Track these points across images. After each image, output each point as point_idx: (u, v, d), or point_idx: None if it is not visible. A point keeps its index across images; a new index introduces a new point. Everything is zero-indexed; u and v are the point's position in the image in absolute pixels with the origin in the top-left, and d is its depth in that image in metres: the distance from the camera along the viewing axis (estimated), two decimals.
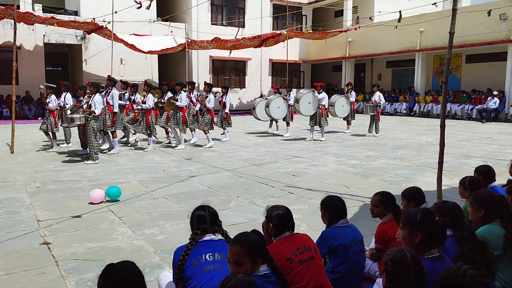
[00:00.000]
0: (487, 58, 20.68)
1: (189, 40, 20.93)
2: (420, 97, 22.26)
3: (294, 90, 15.01)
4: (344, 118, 14.59)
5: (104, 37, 20.18)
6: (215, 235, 2.77)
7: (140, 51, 20.22)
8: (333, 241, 2.97)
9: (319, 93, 12.75)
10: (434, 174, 5.83)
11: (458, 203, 3.06)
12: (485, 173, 4.11)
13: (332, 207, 3.11)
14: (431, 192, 5.62)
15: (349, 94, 14.37)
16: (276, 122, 14.63)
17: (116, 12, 17.30)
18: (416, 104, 22.26)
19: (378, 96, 13.74)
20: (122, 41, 19.50)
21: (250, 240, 2.32)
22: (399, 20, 18.77)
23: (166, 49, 21.00)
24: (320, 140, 12.50)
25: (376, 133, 13.59)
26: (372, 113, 13.52)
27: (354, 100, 14.53)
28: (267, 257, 2.35)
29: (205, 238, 2.71)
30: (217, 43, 21.67)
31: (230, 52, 23.66)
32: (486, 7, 18.60)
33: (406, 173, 7.89)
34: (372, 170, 8.22)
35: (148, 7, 15.53)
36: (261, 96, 14.48)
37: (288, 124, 13.95)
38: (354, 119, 14.83)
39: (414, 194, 3.53)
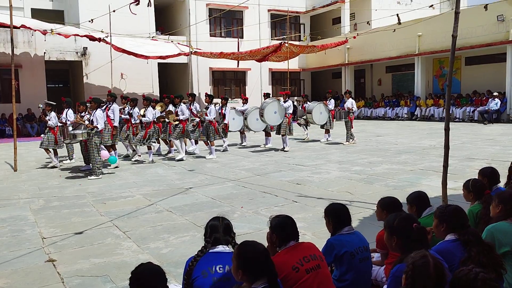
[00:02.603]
0: (486, 59, 20.70)
1: (193, 51, 21.04)
2: (421, 101, 22.26)
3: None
4: (321, 126, 14.18)
5: (105, 43, 20.02)
6: (228, 246, 2.74)
7: (141, 56, 20.20)
8: (339, 249, 2.95)
9: (285, 101, 12.44)
10: (438, 178, 5.81)
11: (464, 206, 3.04)
12: (490, 175, 4.09)
13: (336, 215, 3.10)
14: (436, 196, 5.59)
15: (327, 101, 14.06)
16: (243, 133, 14.24)
17: (114, 11, 17.24)
18: (418, 108, 22.26)
19: (350, 103, 13.53)
20: (122, 50, 19.46)
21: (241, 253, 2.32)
22: (398, 23, 18.89)
23: (166, 56, 21.00)
24: (284, 151, 12.24)
25: (352, 141, 13.27)
26: (345, 120, 13.36)
27: (333, 108, 14.06)
28: (266, 271, 2.29)
29: (216, 249, 2.69)
30: (220, 55, 21.88)
31: (238, 64, 23.70)
32: (483, 8, 18.65)
33: (410, 177, 7.85)
34: (375, 175, 8.19)
35: (148, 4, 15.49)
36: (234, 108, 14.03)
37: (268, 134, 13.52)
38: (332, 128, 14.20)
39: (414, 199, 3.51)
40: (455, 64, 21.53)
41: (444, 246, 2.78)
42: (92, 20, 18.26)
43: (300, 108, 15.82)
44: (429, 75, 23.23)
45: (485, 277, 1.91)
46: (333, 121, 14.09)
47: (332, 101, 14.28)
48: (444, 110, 20.34)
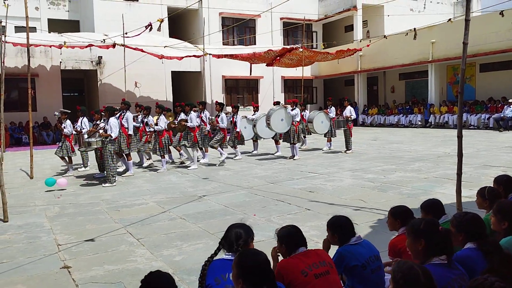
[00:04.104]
0: (501, 66, 20.46)
1: (206, 56, 21.18)
2: (435, 108, 22.07)
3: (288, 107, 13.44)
4: (324, 135, 13.96)
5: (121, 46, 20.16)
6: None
7: (155, 55, 20.30)
8: (348, 261, 2.91)
9: (292, 109, 12.30)
10: (453, 186, 5.75)
11: (479, 214, 3.00)
12: (505, 183, 4.03)
13: (341, 228, 3.05)
14: (451, 204, 5.53)
15: (328, 109, 13.87)
16: (256, 141, 14.21)
17: (126, 33, 17.60)
18: (432, 115, 22.06)
19: (349, 111, 13.25)
20: (137, 49, 19.60)
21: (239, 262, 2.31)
22: (414, 37, 18.88)
23: (181, 57, 21.08)
24: (294, 159, 12.16)
25: (349, 150, 13.04)
26: (343, 128, 13.14)
27: (334, 116, 13.79)
28: (266, 280, 2.26)
29: (229, 256, 2.70)
30: (236, 57, 21.92)
31: (251, 72, 23.75)
32: (497, 15, 18.49)
33: (424, 185, 7.78)
34: (389, 183, 8.13)
35: (158, 29, 15.72)
36: (245, 117, 13.96)
37: (277, 142, 13.46)
38: (335, 136, 14.02)
39: (430, 207, 3.47)
40: (469, 71, 21.33)
41: (466, 253, 2.73)
42: (104, 40, 18.58)
43: None
44: (443, 82, 23.03)
45: (501, 286, 1.88)
46: (334, 129, 13.87)
47: (333, 109, 14.06)
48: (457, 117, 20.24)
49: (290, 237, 2.80)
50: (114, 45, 19.32)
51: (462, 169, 4.93)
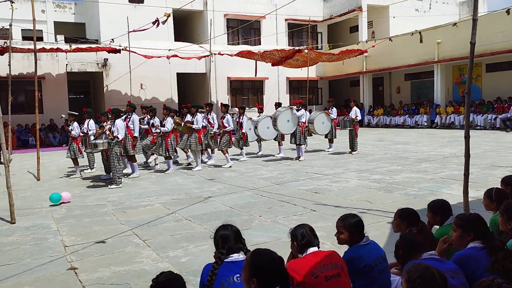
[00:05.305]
0: (508, 66, 20.33)
1: (212, 57, 21.15)
2: (441, 108, 21.96)
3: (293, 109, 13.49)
4: (325, 136, 13.92)
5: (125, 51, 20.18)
6: (240, 253, 2.72)
7: (162, 56, 20.32)
8: (358, 263, 2.89)
9: (297, 110, 12.24)
10: (460, 187, 5.73)
11: (485, 215, 2.99)
12: None
13: (359, 226, 3.02)
14: (457, 205, 5.50)
15: (330, 110, 13.83)
16: (259, 142, 14.20)
17: (134, 30, 17.66)
18: (438, 115, 21.96)
19: (355, 112, 13.17)
20: (143, 55, 19.64)
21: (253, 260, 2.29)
22: (421, 41, 18.80)
23: (187, 57, 21.04)
24: (299, 160, 12.12)
25: (354, 151, 12.98)
26: (349, 128, 13.07)
27: (335, 117, 13.74)
28: (280, 279, 2.26)
29: (232, 259, 2.67)
30: (239, 53, 21.85)
31: (256, 73, 23.70)
32: (504, 15, 18.39)
33: (431, 186, 7.74)
34: (395, 184, 8.10)
35: (164, 22, 15.76)
36: (250, 119, 13.92)
37: (280, 143, 13.43)
38: (336, 137, 14.05)
39: (439, 207, 3.47)
40: (476, 71, 21.21)
41: (468, 252, 2.73)
42: (113, 40, 18.66)
43: None
44: (449, 82, 22.92)
45: None
46: (335, 130, 13.80)
47: (335, 110, 14.02)
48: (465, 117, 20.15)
49: (301, 235, 2.80)
50: (119, 51, 19.39)
51: (469, 169, 4.90)
